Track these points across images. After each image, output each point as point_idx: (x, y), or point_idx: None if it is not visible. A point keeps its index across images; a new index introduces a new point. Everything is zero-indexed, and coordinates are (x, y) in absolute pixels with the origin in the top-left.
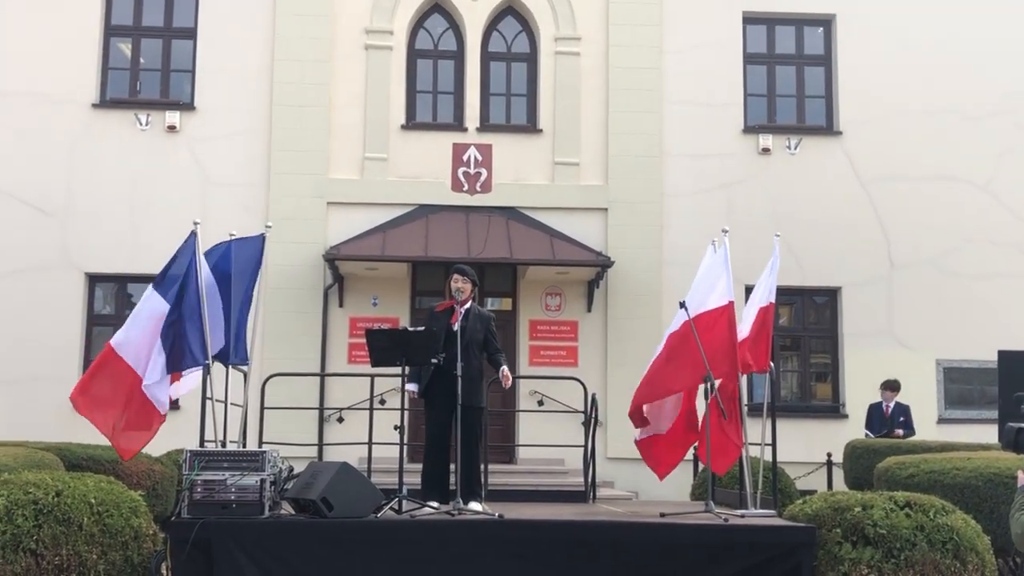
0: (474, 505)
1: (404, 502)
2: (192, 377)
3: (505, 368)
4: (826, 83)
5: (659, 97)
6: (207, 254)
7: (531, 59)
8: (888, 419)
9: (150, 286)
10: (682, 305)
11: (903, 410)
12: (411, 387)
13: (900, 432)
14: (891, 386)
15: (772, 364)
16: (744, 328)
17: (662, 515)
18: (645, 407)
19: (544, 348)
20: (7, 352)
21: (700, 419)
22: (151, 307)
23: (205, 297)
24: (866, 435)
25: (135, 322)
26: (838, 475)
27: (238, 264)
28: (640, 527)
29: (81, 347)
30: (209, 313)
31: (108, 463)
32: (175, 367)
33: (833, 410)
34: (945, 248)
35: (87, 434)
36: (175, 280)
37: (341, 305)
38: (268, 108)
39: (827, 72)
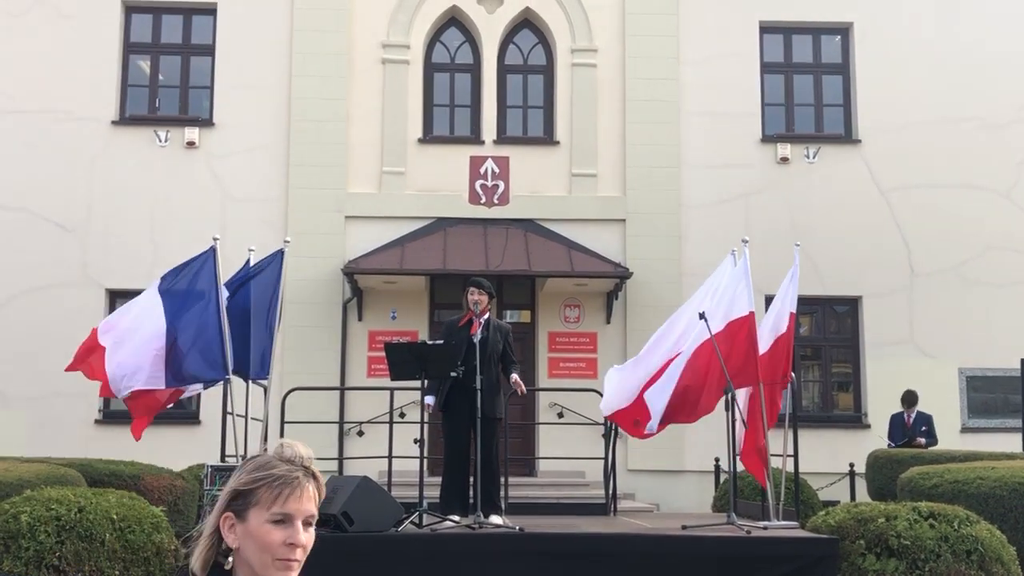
0: (494, 518)
1: (424, 516)
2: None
3: (515, 375)
4: (844, 92)
5: (676, 108)
6: (232, 279)
7: (548, 71)
8: (909, 429)
9: (155, 287)
10: (702, 316)
11: (926, 419)
12: (429, 400)
13: (922, 441)
14: (907, 400)
15: (793, 374)
16: (765, 338)
17: (684, 527)
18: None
19: (563, 360)
20: (29, 369)
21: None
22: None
23: (225, 312)
24: (889, 445)
25: (131, 322)
26: (861, 485)
27: (258, 279)
28: (662, 540)
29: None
30: (229, 328)
31: (130, 479)
32: (192, 380)
33: (855, 420)
34: (966, 256)
35: (109, 450)
36: (191, 295)
37: (360, 319)
38: (286, 123)
39: (845, 80)
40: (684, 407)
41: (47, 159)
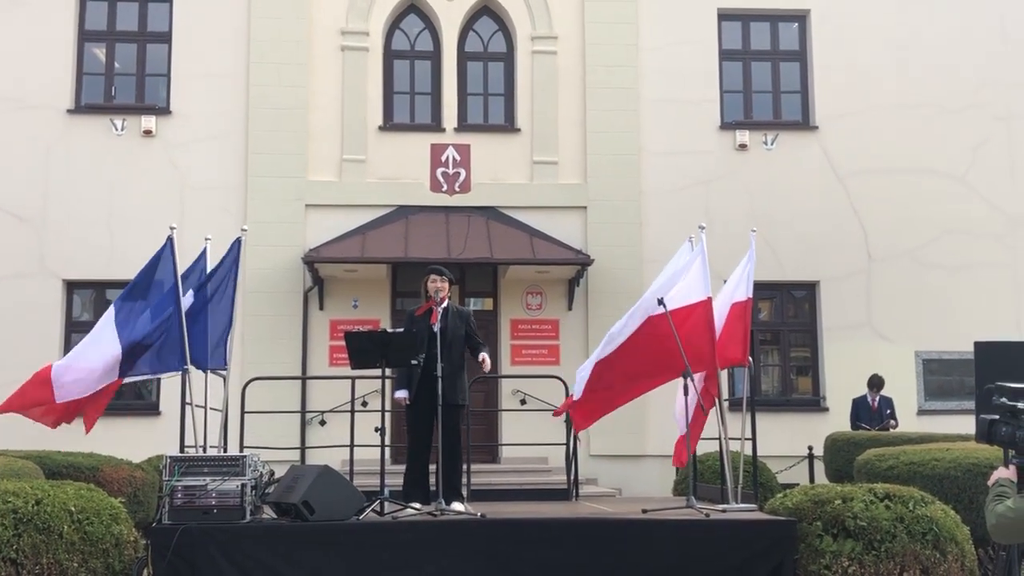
0: (456, 505)
1: (386, 504)
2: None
3: (483, 354)
4: (802, 78)
5: (636, 95)
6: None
7: (508, 59)
8: (876, 412)
9: (113, 304)
10: (660, 302)
11: (888, 403)
12: (401, 394)
13: (893, 423)
14: (875, 383)
15: (751, 359)
16: (719, 322)
17: (644, 511)
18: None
19: (526, 347)
20: None
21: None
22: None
23: (182, 302)
24: (861, 427)
25: (84, 354)
26: (819, 468)
27: (215, 268)
28: (623, 524)
29: (60, 355)
30: (187, 318)
31: (88, 470)
32: (153, 370)
33: (814, 403)
34: (923, 240)
35: (67, 442)
36: (148, 287)
37: (321, 308)
38: (245, 111)
39: (802, 67)
40: (623, 387)
41: (1, 148)
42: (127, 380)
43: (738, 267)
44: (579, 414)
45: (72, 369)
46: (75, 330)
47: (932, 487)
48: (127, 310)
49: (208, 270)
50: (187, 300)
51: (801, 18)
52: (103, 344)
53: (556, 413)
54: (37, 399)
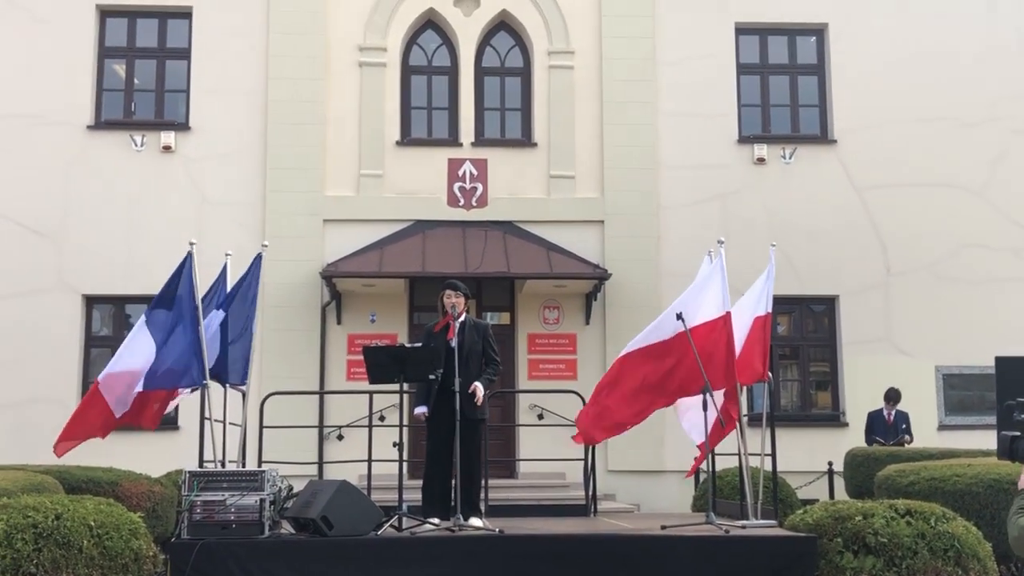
0: (475, 521)
1: (404, 519)
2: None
3: (477, 383)
4: (820, 92)
5: (653, 109)
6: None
7: (525, 73)
8: (892, 426)
9: (142, 316)
10: (679, 317)
11: (904, 417)
12: (420, 410)
13: (908, 439)
14: (892, 397)
15: (771, 374)
16: (739, 338)
17: (663, 527)
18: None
19: (543, 361)
20: (6, 375)
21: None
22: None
23: (202, 318)
24: (876, 441)
25: (122, 357)
26: (839, 484)
27: (236, 284)
28: (642, 540)
29: (79, 369)
30: (206, 333)
31: (107, 485)
32: (172, 383)
33: (833, 419)
34: (941, 254)
35: (86, 457)
36: (170, 303)
37: (339, 322)
38: (263, 127)
39: (820, 81)
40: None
41: (22, 164)
42: (170, 407)
43: (758, 280)
44: (584, 421)
45: (119, 379)
46: (94, 344)
47: (953, 503)
48: (156, 321)
49: (229, 286)
50: (217, 316)
51: (819, 32)
52: (142, 349)
53: (576, 439)
54: (95, 421)
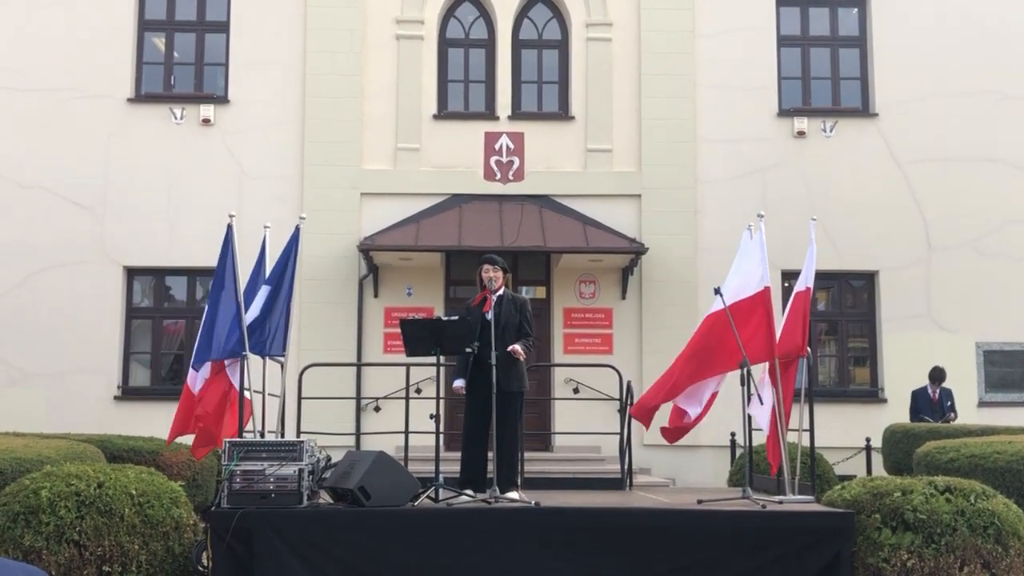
0: (511, 493)
1: (441, 490)
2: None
3: (518, 346)
4: (861, 65)
5: (692, 82)
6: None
7: (562, 46)
8: (937, 404)
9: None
10: (717, 291)
11: (948, 395)
12: (458, 383)
13: (953, 416)
14: (936, 376)
15: (809, 349)
16: (784, 311)
17: (699, 502)
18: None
19: (579, 336)
20: (48, 346)
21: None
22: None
23: (241, 289)
24: (922, 419)
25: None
26: (877, 460)
27: (279, 258)
28: (677, 514)
29: (121, 340)
30: (245, 305)
31: (149, 454)
32: (216, 355)
33: (872, 395)
34: (984, 230)
35: (128, 426)
36: (215, 276)
37: (376, 295)
38: (301, 100)
39: (862, 53)
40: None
41: (63, 137)
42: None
43: (807, 258)
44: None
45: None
46: (135, 316)
47: (994, 480)
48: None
49: (268, 258)
50: (265, 292)
51: (861, 3)
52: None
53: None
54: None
